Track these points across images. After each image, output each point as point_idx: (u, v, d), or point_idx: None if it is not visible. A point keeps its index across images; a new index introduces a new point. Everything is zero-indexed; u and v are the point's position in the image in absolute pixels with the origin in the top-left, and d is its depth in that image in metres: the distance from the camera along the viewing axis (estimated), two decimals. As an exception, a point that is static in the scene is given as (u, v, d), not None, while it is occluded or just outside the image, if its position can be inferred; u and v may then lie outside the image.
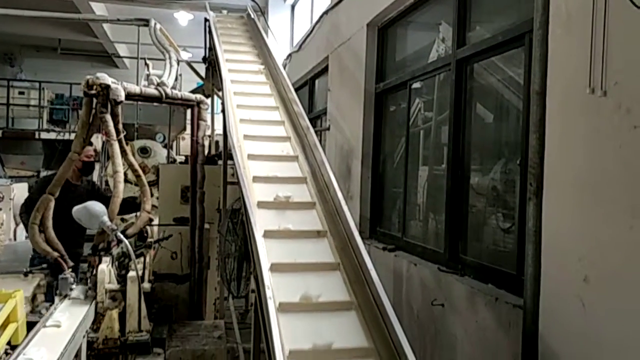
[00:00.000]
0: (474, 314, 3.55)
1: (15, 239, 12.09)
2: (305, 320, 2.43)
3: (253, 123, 4.06)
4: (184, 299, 4.13)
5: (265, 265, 2.60)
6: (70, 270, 3.51)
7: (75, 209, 3.21)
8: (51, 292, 3.67)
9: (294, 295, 2.51)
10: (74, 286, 3.29)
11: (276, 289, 2.52)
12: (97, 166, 12.63)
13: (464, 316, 3.69)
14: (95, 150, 4.94)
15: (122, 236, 3.16)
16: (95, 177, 12.92)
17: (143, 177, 3.78)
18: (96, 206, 3.19)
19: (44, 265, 3.81)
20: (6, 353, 2.49)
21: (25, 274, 3.88)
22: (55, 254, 3.61)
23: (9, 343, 2.52)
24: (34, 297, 3.22)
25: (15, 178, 12.45)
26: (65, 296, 3.20)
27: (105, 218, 3.17)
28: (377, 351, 2.31)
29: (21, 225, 12.48)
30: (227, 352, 3.69)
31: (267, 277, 2.55)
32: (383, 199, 5.65)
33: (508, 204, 3.79)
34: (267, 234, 2.94)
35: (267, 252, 2.74)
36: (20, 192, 11.88)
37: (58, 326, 2.58)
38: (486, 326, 3.41)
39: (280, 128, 4.12)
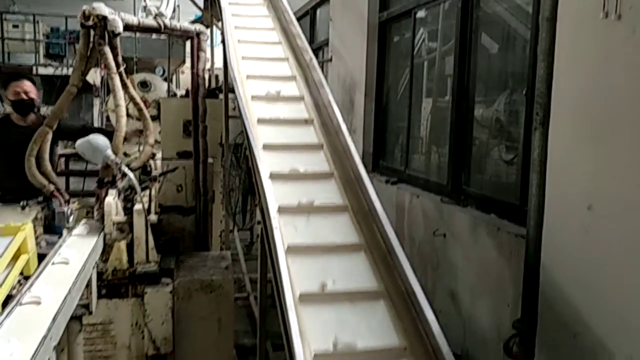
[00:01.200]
0: (476, 244, 3.60)
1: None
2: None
3: (256, 60, 4.00)
4: (190, 231, 4.18)
5: (273, 207, 2.62)
6: (67, 203, 3.54)
7: (79, 142, 3.20)
8: (48, 225, 3.72)
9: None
10: (71, 219, 3.32)
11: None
12: (97, 101, 12.56)
13: (465, 246, 3.75)
14: (34, 87, 4.36)
15: (126, 169, 3.16)
16: (95, 112, 12.86)
17: (145, 110, 3.74)
18: (99, 140, 3.18)
19: (40, 199, 3.85)
20: (19, 283, 2.55)
21: (23, 207, 3.92)
22: (52, 187, 3.63)
23: (21, 274, 2.57)
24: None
25: (15, 114, 12.33)
26: (71, 231, 3.23)
27: (109, 152, 3.16)
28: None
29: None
30: (234, 283, 3.78)
31: (274, 210, 2.59)
32: (386, 132, 5.62)
33: (512, 136, 3.78)
34: (273, 176, 2.93)
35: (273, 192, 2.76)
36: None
37: (66, 263, 2.60)
38: (488, 256, 3.47)
39: (284, 65, 4.05)
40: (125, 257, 3.34)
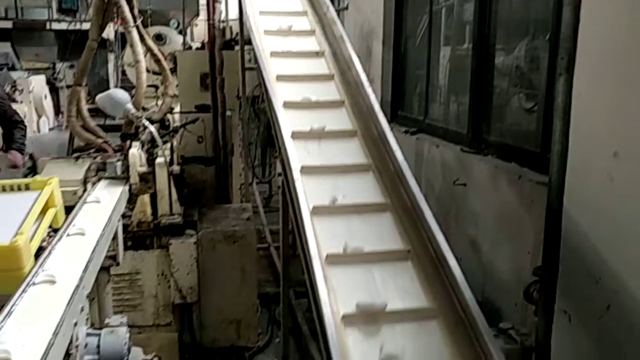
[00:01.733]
0: (496, 192, 3.60)
1: (39, 131, 12.30)
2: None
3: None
4: (211, 184, 4.23)
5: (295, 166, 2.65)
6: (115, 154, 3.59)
7: (99, 97, 3.22)
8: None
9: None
10: (118, 170, 3.38)
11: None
12: (111, 56, 12.51)
13: (485, 194, 3.75)
14: None
15: (147, 122, 3.18)
16: (110, 67, 12.83)
17: (163, 62, 3.74)
18: (119, 94, 3.19)
19: (91, 150, 3.91)
20: (49, 235, 2.62)
21: (76, 159, 3.99)
22: (99, 140, 3.69)
23: (50, 227, 2.63)
24: (85, 180, 3.30)
25: (31, 70, 12.38)
26: (101, 177, 3.28)
27: (129, 105, 3.18)
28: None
29: (44, 117, 12.65)
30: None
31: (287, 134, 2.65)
32: (404, 82, 5.55)
33: (533, 83, 3.71)
34: (287, 104, 3.00)
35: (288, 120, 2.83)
36: (38, 84, 11.88)
37: (98, 202, 2.69)
38: (508, 203, 3.47)
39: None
40: (149, 210, 3.41)
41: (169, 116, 4.19)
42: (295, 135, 2.85)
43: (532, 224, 3.22)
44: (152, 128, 3.17)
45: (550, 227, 2.54)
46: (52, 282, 1.76)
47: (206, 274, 3.50)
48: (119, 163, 3.21)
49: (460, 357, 1.97)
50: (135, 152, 3.28)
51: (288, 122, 2.90)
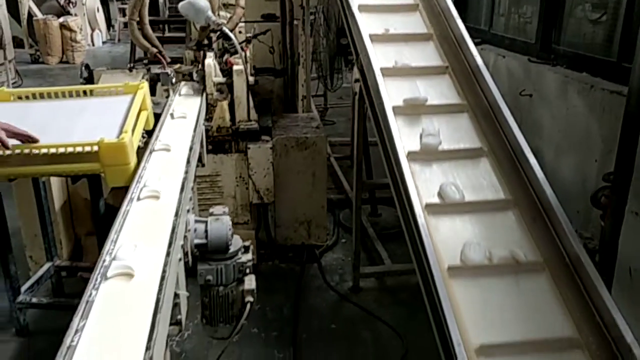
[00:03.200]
0: (565, 102, 3.63)
1: (93, 44, 12.52)
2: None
3: None
4: (279, 94, 4.36)
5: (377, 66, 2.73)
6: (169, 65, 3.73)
7: (181, 4, 3.30)
8: (153, 87, 3.97)
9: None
10: (174, 80, 3.52)
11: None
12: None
13: (553, 105, 3.78)
14: None
15: (227, 30, 3.28)
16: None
17: (234, -31, 3.77)
18: (200, 1, 3.27)
19: (145, 61, 4.06)
20: (143, 137, 2.82)
21: (130, 69, 4.15)
22: (154, 49, 3.81)
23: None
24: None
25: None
26: (176, 92, 3.44)
27: (210, 13, 3.27)
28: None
29: (97, 30, 12.81)
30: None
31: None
32: (468, -9, 5.44)
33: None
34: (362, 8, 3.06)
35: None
36: (91, -3, 11.99)
37: (184, 117, 2.83)
38: (577, 113, 3.51)
39: None
40: (227, 116, 3.57)
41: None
42: (373, 39, 2.91)
43: (602, 133, 3.27)
44: (231, 35, 3.27)
45: (626, 132, 2.59)
46: (157, 197, 1.82)
47: (280, 177, 3.71)
48: (173, 74, 3.34)
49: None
50: (211, 62, 3.40)
51: (366, 25, 2.98)
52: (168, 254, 1.60)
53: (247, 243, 2.33)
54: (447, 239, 2.08)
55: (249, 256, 2.28)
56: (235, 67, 3.48)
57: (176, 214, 1.86)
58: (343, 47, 4.99)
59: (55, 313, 3.16)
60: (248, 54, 3.91)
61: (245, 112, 3.57)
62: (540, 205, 2.16)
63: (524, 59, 4.16)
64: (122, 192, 2.01)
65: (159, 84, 3.45)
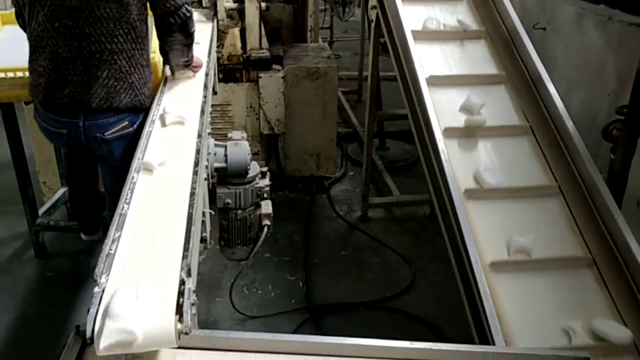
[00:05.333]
0: (580, 36, 3.58)
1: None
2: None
3: None
4: (288, 24, 4.29)
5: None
6: None
7: None
8: None
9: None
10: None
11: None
12: None
13: (566, 38, 3.72)
14: None
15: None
16: None
17: None
18: None
19: None
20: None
21: None
22: None
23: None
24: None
25: None
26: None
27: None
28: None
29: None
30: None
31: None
32: None
33: None
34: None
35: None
36: None
37: (198, 44, 2.82)
38: (591, 47, 3.46)
39: None
40: (239, 43, 3.53)
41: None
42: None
43: (617, 66, 3.25)
44: (243, -40, 3.19)
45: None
46: (182, 123, 1.93)
47: (291, 108, 3.70)
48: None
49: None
50: (222, -12, 3.33)
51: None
52: (195, 172, 1.64)
53: (264, 169, 2.38)
54: (465, 165, 2.13)
55: (267, 181, 2.33)
56: (246, -8, 3.41)
57: (199, 136, 1.90)
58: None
59: (71, 237, 3.24)
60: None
61: (257, 40, 3.52)
62: (556, 131, 2.19)
63: (539, -9, 4.06)
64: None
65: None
